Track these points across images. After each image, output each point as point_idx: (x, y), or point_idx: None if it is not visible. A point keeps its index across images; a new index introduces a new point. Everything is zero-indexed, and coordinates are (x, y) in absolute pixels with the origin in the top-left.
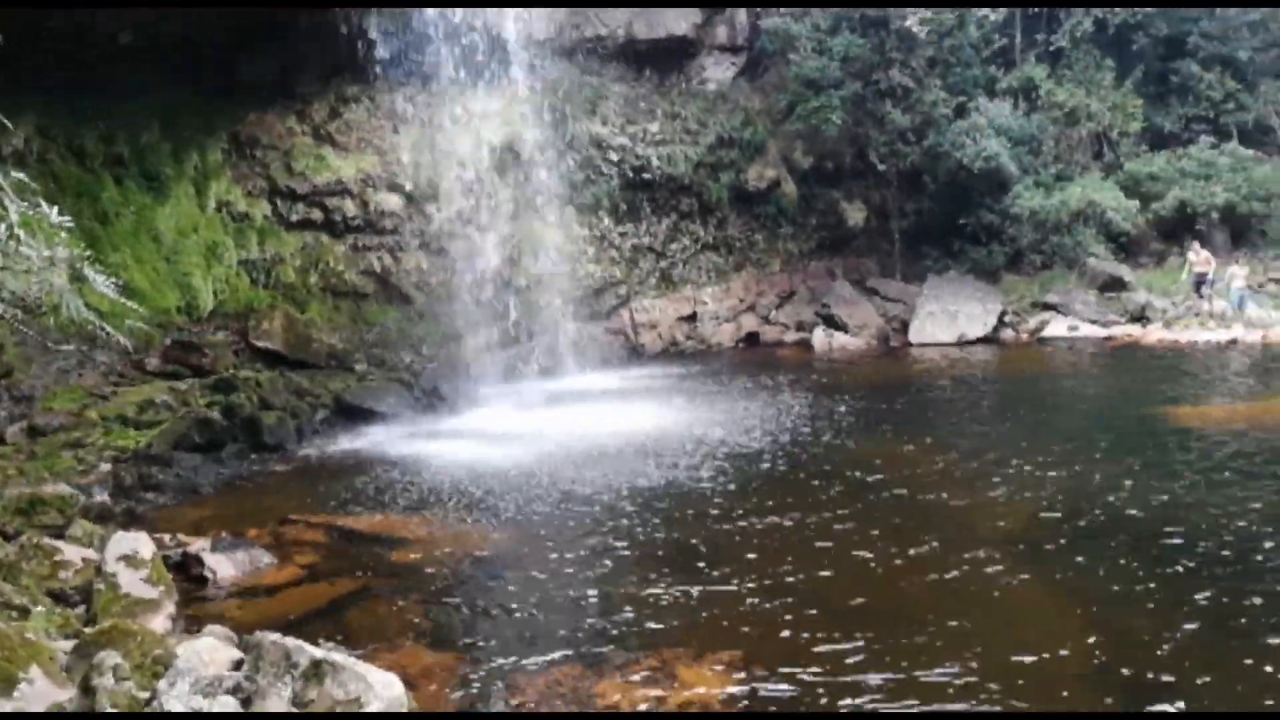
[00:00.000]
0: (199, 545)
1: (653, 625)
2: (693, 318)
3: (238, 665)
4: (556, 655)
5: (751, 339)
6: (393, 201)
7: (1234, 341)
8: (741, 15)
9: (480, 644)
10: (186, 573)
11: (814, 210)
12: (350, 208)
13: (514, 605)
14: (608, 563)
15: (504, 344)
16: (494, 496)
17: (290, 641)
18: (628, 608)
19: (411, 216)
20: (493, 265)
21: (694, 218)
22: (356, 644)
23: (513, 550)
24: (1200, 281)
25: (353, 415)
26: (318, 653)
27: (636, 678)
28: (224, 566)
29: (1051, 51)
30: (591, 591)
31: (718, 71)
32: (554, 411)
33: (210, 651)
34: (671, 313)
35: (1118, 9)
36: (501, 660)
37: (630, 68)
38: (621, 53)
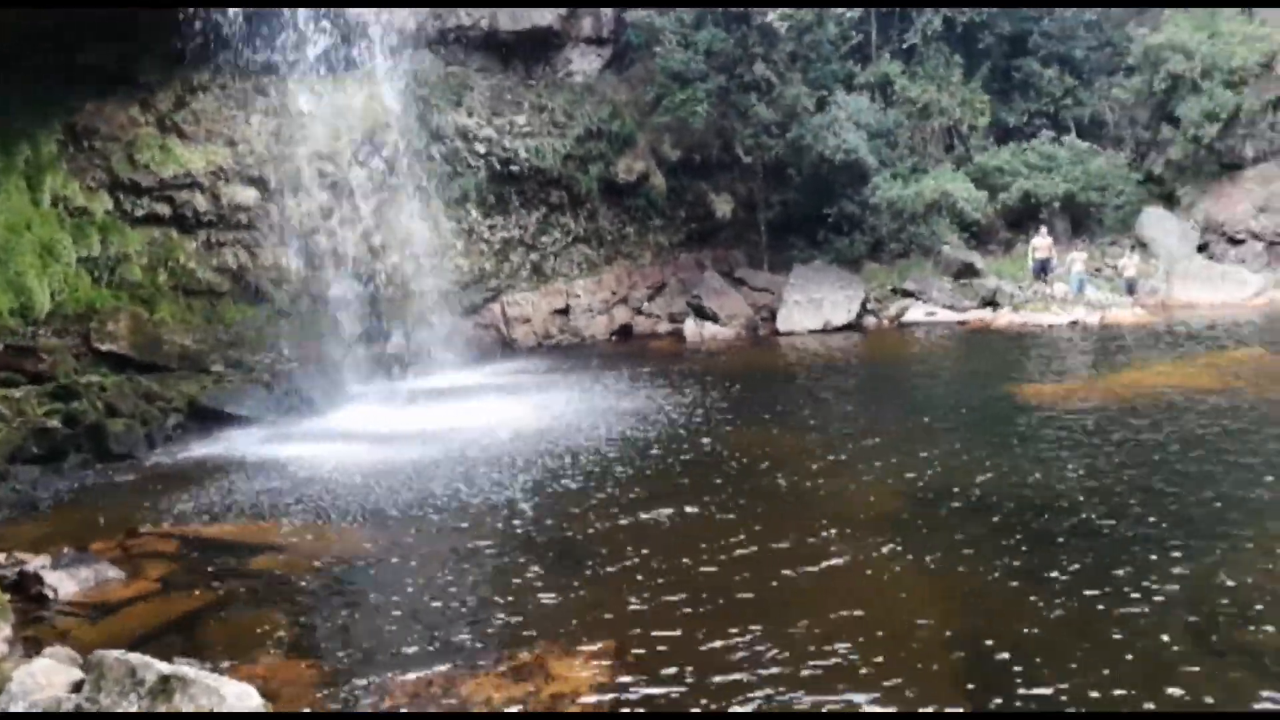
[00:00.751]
0: (38, 563)
1: (526, 621)
2: (566, 311)
3: (78, 686)
4: (427, 657)
5: (625, 331)
6: (247, 195)
7: (1075, 323)
8: (607, 8)
9: (346, 650)
10: (25, 592)
11: (683, 202)
12: (201, 201)
13: (381, 609)
14: (479, 561)
15: (370, 341)
16: (360, 499)
17: (135, 657)
18: (500, 605)
19: (268, 210)
20: (357, 260)
21: (564, 210)
22: (213, 658)
23: (380, 553)
24: (1043, 267)
25: (209, 419)
26: (165, 668)
27: (509, 674)
28: (66, 584)
29: (905, 48)
30: (463, 591)
31: (584, 63)
32: (423, 409)
33: (47, 673)
34: (544, 306)
35: (965, 8)
36: (369, 665)
37: (495, 59)
38: (486, 43)
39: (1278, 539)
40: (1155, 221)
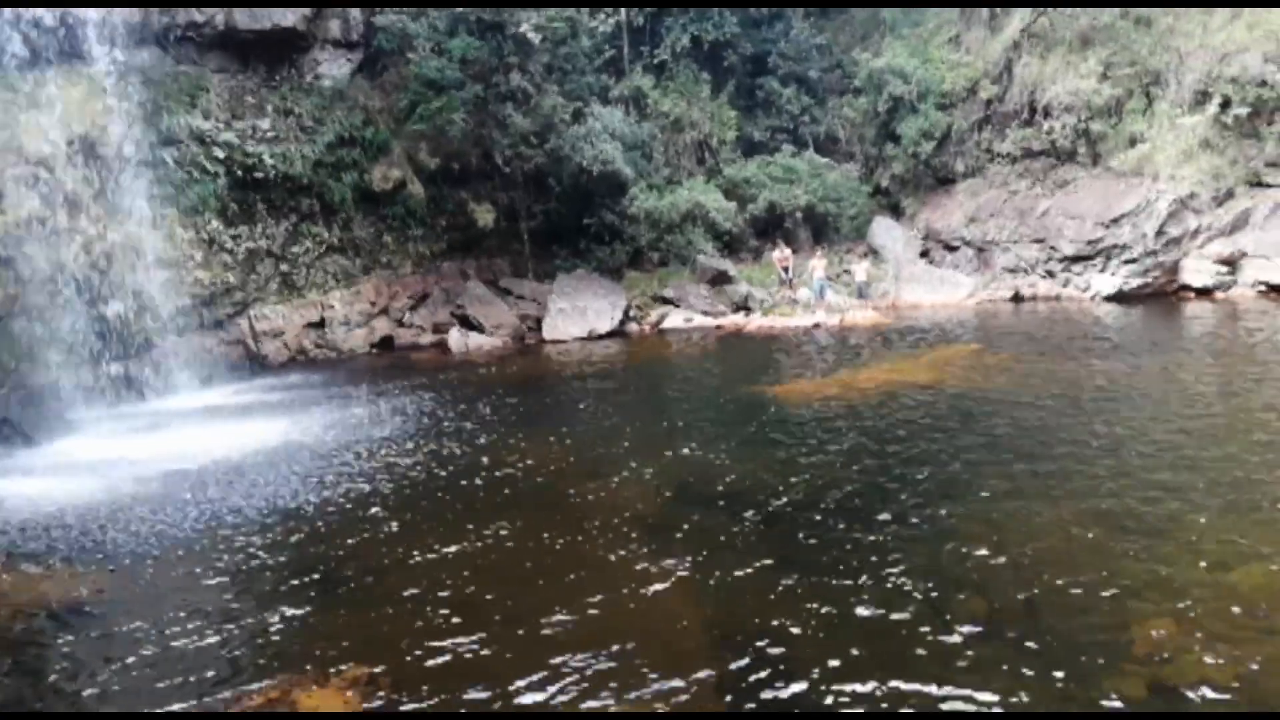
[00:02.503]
0: None
1: (271, 654)
2: (321, 324)
3: None
4: (156, 705)
5: (386, 343)
6: None
7: (818, 325)
8: (355, 10)
9: (65, 704)
10: None
11: (443, 211)
12: None
13: (107, 656)
14: (220, 596)
15: (96, 362)
16: (82, 537)
17: None
18: (244, 640)
19: None
20: (78, 274)
21: (316, 219)
22: None
23: (106, 595)
24: (785, 274)
25: None
26: None
27: (251, 712)
28: None
29: (656, 64)
30: (202, 629)
31: (333, 68)
32: (158, 435)
33: None
34: (297, 320)
35: (710, 28)
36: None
37: (233, 59)
38: (222, 42)
39: (1000, 517)
40: (884, 230)
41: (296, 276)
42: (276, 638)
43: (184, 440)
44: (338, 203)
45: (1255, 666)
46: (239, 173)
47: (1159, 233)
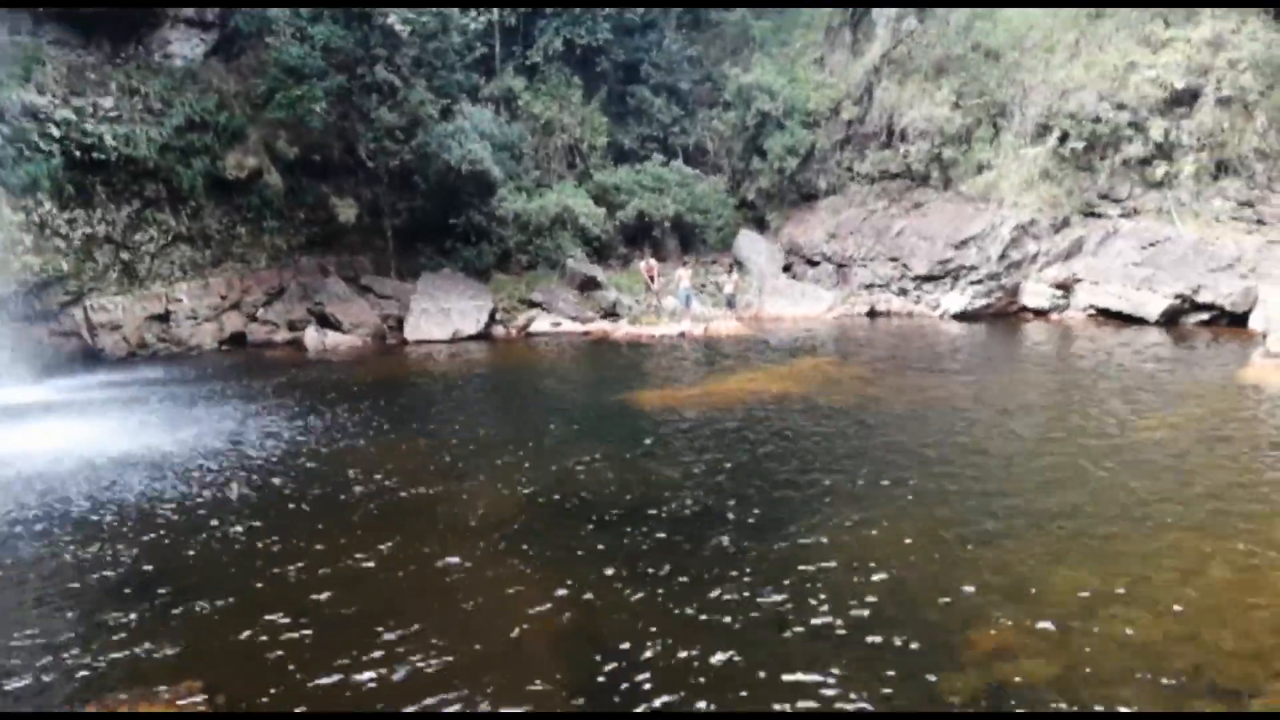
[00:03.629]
0: None
1: (100, 670)
2: (166, 317)
3: None
4: None
5: (237, 339)
6: None
7: (683, 334)
8: None
9: None
10: None
11: (302, 204)
12: None
13: None
14: (48, 610)
15: None
16: None
17: None
18: (67, 657)
19: None
20: None
21: (162, 206)
22: None
23: None
24: (652, 283)
25: None
26: None
27: None
28: None
29: (528, 65)
30: (24, 647)
31: (185, 47)
32: None
33: None
34: (139, 311)
35: (583, 33)
36: None
37: (74, 31)
38: (60, 14)
39: (848, 527)
40: (749, 243)
41: (139, 266)
42: (109, 655)
43: (15, 439)
44: (187, 190)
45: (1080, 665)
46: (76, 153)
47: (1002, 256)
